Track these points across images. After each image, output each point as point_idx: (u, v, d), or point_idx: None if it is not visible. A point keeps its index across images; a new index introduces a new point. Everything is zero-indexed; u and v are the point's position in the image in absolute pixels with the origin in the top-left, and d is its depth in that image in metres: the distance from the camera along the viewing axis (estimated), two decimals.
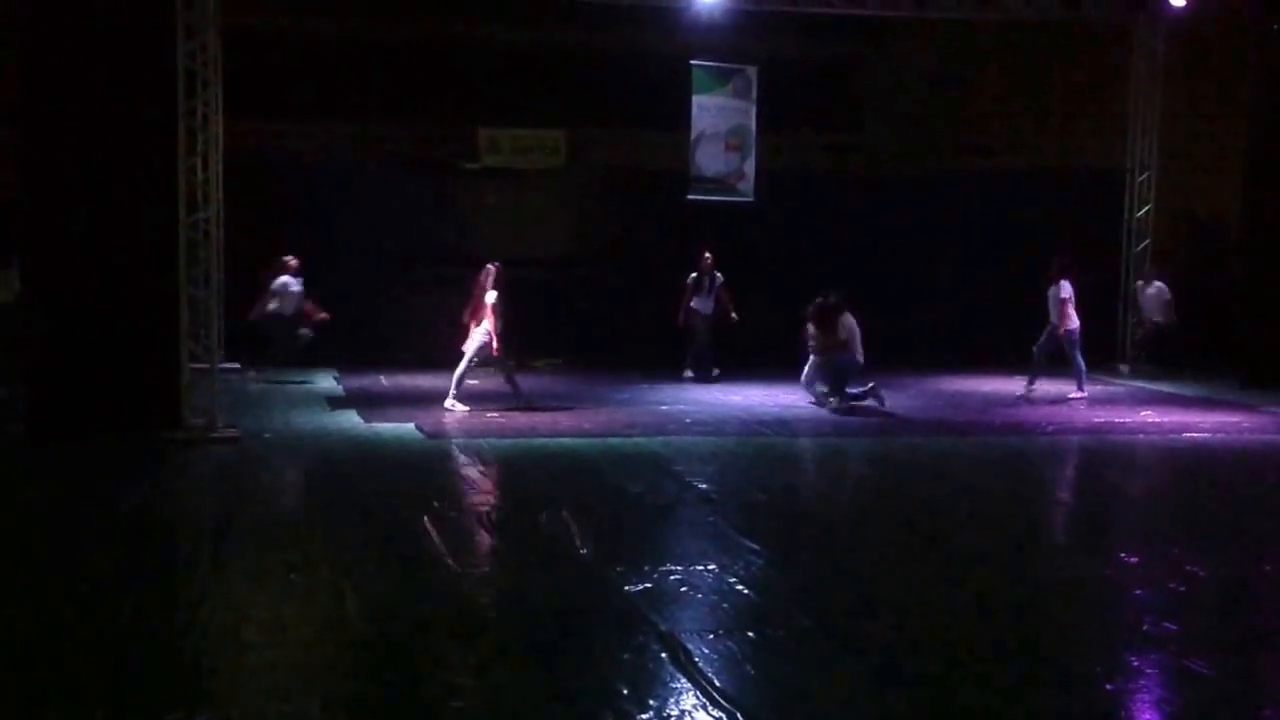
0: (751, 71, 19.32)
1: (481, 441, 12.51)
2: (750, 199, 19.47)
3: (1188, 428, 13.96)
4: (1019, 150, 22.52)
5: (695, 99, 19.00)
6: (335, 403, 14.96)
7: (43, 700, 5.61)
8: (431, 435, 12.69)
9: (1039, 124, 22.32)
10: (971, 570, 8.15)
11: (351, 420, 13.62)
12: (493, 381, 17.12)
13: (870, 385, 14.95)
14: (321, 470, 11.07)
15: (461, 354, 14.37)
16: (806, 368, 15.34)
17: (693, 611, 6.97)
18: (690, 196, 19.27)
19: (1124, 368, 19.17)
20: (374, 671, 5.99)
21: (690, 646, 6.22)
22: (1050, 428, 14.00)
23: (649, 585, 7.34)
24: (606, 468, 11.46)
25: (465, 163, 20.89)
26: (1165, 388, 17.45)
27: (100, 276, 11.97)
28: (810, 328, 15.19)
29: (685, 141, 19.18)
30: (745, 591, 7.30)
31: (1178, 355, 18.85)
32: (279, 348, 16.85)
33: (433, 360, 18.41)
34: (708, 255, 17.49)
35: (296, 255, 17.45)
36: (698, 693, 5.67)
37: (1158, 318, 18.98)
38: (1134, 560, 8.35)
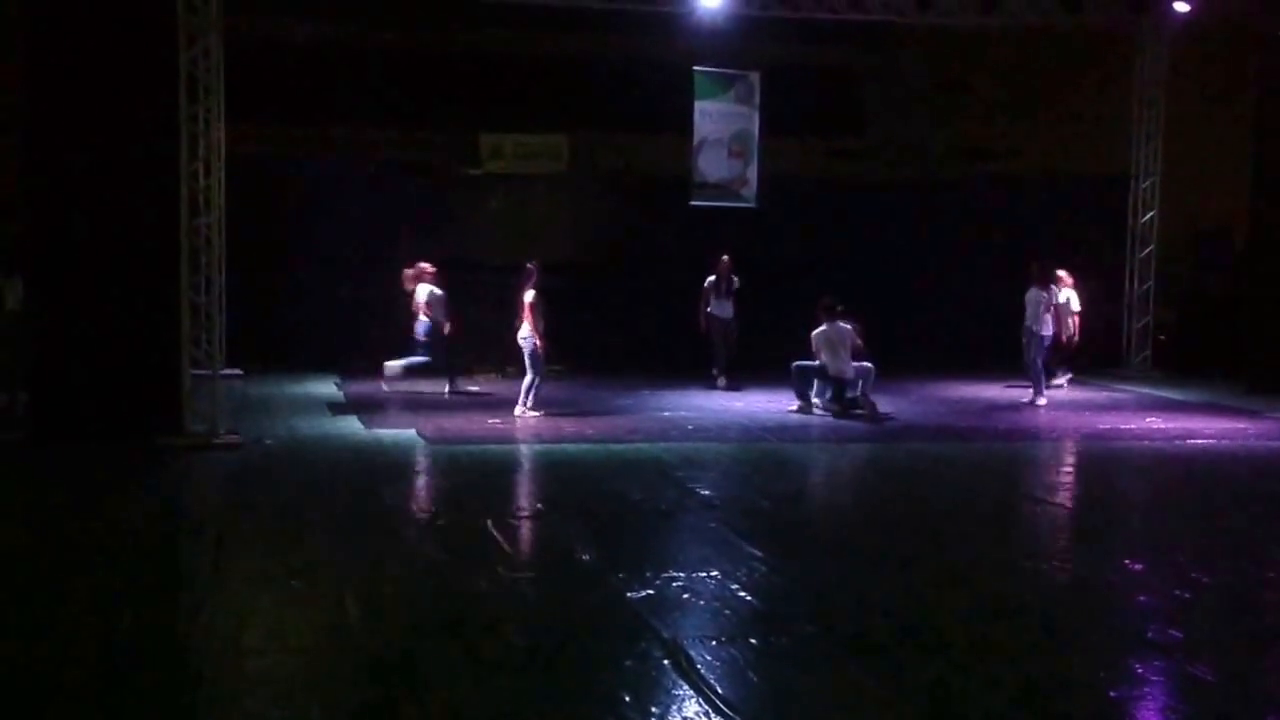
0: (754, 77, 19.31)
1: (483, 447, 12.49)
2: (753, 204, 19.44)
3: (1192, 433, 13.92)
4: (1022, 156, 22.47)
5: (698, 104, 18.98)
6: (336, 408, 14.95)
7: (43, 706, 5.59)
8: (433, 441, 12.67)
9: (1042, 129, 22.27)
10: (975, 576, 8.12)
11: (353, 426, 13.60)
12: (493, 386, 17.15)
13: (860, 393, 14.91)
14: (322, 476, 11.05)
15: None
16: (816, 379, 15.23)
17: (695, 618, 6.94)
18: (693, 202, 19.25)
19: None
20: (375, 678, 5.96)
21: (693, 653, 6.20)
22: (1054, 433, 13.96)
23: (651, 592, 7.32)
24: (608, 474, 11.43)
25: (468, 168, 20.87)
26: (1169, 393, 17.40)
27: (102, 282, 11.98)
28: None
29: (688, 147, 19.16)
30: (748, 598, 7.28)
31: (1180, 361, 18.85)
32: (441, 359, 16.51)
33: (434, 365, 18.45)
34: (725, 258, 17.41)
35: (301, 259, 17.44)
36: (700, 700, 5.64)
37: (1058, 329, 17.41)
38: (1138, 566, 8.32)
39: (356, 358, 18.50)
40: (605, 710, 5.54)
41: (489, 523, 9.25)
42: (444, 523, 9.07)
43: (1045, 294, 15.93)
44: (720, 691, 5.72)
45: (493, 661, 6.17)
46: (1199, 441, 13.50)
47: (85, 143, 11.89)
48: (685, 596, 7.27)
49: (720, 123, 19.16)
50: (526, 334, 14.37)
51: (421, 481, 10.83)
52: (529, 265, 14.74)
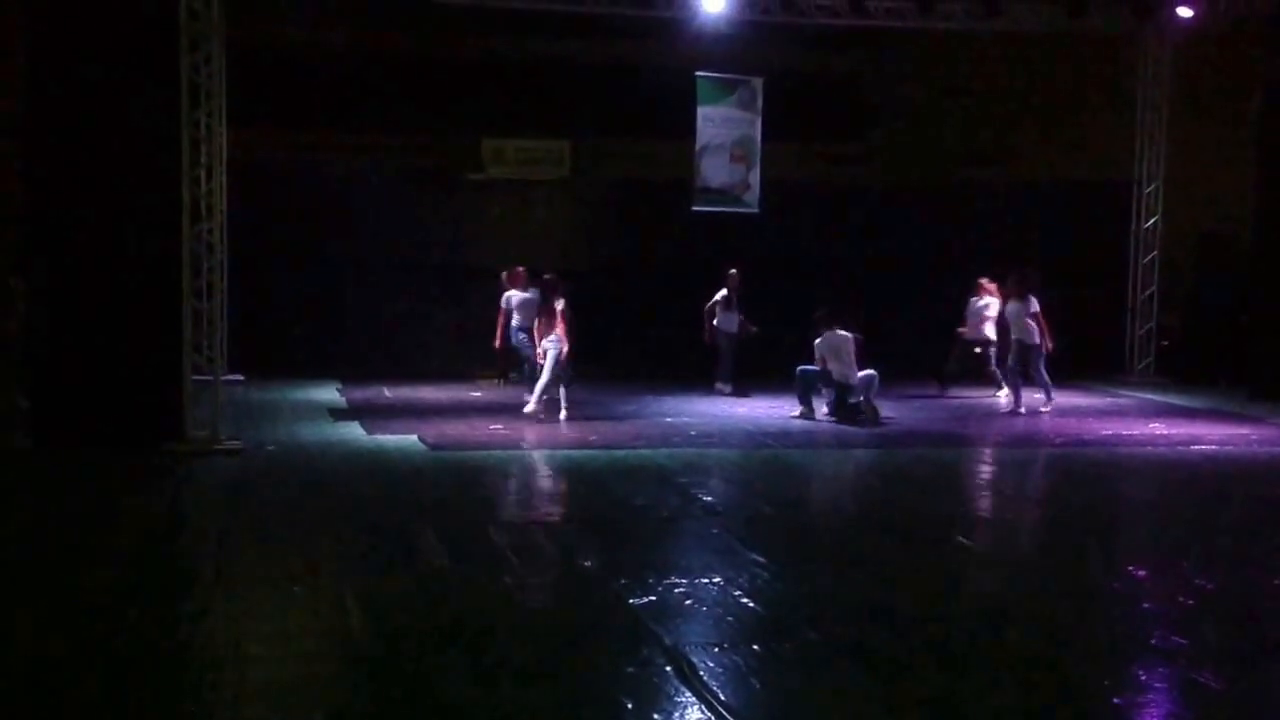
0: (757, 83, 19.31)
1: (485, 453, 12.47)
2: (755, 210, 19.44)
3: (1196, 440, 13.89)
4: (1025, 161, 22.47)
5: (700, 110, 18.98)
6: (338, 414, 14.94)
7: (46, 712, 5.57)
8: (434, 447, 12.65)
9: (1045, 135, 22.27)
10: (979, 582, 8.11)
11: (354, 432, 13.59)
12: (496, 393, 17.15)
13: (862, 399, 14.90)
14: (324, 482, 11.03)
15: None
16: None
17: (698, 624, 6.92)
18: (695, 207, 19.25)
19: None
20: (377, 684, 5.94)
21: (695, 660, 6.17)
22: (1058, 440, 13.94)
23: (653, 598, 7.30)
24: (611, 480, 11.41)
25: (470, 174, 20.88)
26: (1173, 400, 17.38)
27: (103, 287, 11.97)
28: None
29: (690, 152, 19.16)
30: (750, 604, 7.25)
31: (1181, 367, 18.83)
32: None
33: (436, 371, 18.47)
34: (733, 272, 17.32)
35: (303, 264, 17.40)
36: (703, 707, 5.62)
37: (980, 334, 17.42)
38: (1142, 573, 8.30)
39: (358, 363, 18.55)
40: (607, 717, 5.52)
41: (491, 529, 9.23)
42: (446, 529, 9.05)
43: (1023, 304, 15.84)
44: (723, 699, 5.70)
45: (494, 668, 6.15)
46: (1202, 448, 13.47)
47: (87, 148, 11.89)
48: (687, 603, 7.25)
49: (722, 128, 19.16)
50: (555, 339, 14.42)
51: (423, 488, 10.80)
52: (547, 278, 15.05)
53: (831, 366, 14.78)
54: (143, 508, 9.95)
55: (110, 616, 6.91)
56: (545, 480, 11.69)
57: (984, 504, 10.98)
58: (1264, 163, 17.94)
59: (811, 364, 15.02)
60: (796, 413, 15.13)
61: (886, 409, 15.17)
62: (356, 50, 21.48)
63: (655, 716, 5.52)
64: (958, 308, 17.64)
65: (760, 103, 19.24)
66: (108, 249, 11.96)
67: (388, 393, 17.04)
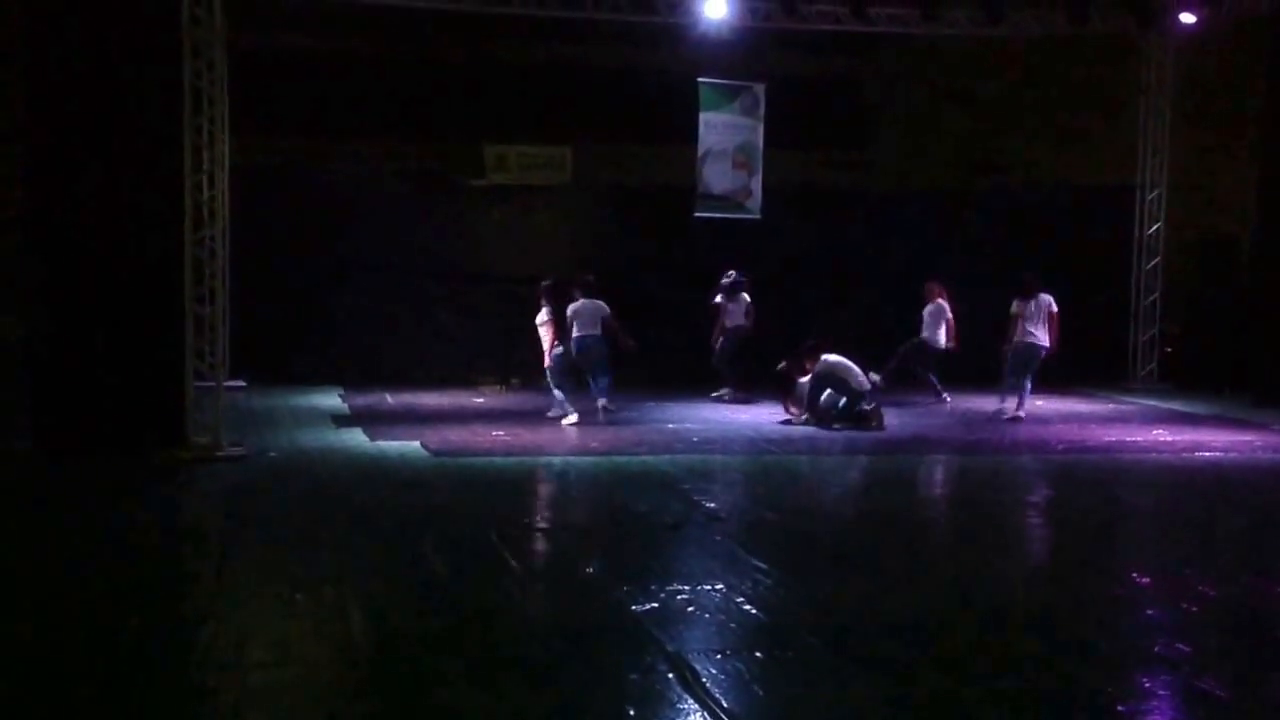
0: (759, 88, 19.32)
1: (487, 460, 12.46)
2: (757, 216, 19.44)
3: (1200, 446, 13.87)
4: (1027, 167, 22.48)
5: (703, 116, 18.99)
6: (340, 421, 14.94)
7: (45, 718, 5.57)
8: (437, 454, 12.64)
9: (1047, 141, 22.28)
10: (981, 589, 8.09)
11: (357, 439, 13.58)
12: (498, 399, 17.15)
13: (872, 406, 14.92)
14: (326, 489, 11.02)
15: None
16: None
17: (700, 631, 6.90)
18: (698, 213, 19.26)
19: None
20: (379, 691, 5.92)
21: (698, 666, 6.16)
22: (1061, 446, 13.92)
23: (656, 604, 7.28)
24: (613, 486, 11.40)
25: (472, 179, 20.89)
26: (1176, 406, 17.37)
27: (105, 293, 11.97)
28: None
29: (693, 158, 19.17)
30: (753, 611, 7.24)
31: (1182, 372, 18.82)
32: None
33: (438, 377, 18.46)
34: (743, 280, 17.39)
35: (305, 270, 17.36)
36: (705, 713, 5.60)
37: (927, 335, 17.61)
38: (1146, 580, 8.27)
39: (361, 369, 18.54)
40: None
41: (493, 535, 9.22)
42: (448, 535, 9.04)
43: (1026, 304, 15.84)
44: (725, 705, 5.68)
45: (496, 674, 6.13)
46: (1206, 454, 13.45)
47: (89, 154, 11.89)
48: (690, 609, 7.23)
49: (725, 134, 19.17)
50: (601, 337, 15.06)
51: (425, 494, 10.79)
52: (589, 278, 15.51)
53: (842, 374, 14.78)
54: (144, 514, 9.94)
55: (111, 622, 6.89)
56: (547, 486, 11.67)
57: (986, 510, 10.95)
58: (1266, 168, 17.93)
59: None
60: (784, 419, 15.22)
61: (888, 416, 15.16)
62: (359, 56, 21.51)
63: None
64: (963, 315, 17.63)
65: (762, 109, 19.25)
66: (110, 254, 11.95)
67: (390, 399, 17.04)
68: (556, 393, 15.03)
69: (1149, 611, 7.53)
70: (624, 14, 17.63)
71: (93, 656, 6.37)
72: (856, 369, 14.87)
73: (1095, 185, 21.03)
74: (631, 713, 5.61)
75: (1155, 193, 19.67)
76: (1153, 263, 19.70)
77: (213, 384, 12.63)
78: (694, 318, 17.66)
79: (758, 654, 6.46)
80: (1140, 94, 19.76)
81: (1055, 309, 15.76)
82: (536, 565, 8.54)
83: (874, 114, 24.33)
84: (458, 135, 21.49)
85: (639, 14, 17.63)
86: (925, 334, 17.35)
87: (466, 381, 18.24)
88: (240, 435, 12.95)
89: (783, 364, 15.31)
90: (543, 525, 9.85)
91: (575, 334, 15.20)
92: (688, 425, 14.96)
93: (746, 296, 17.24)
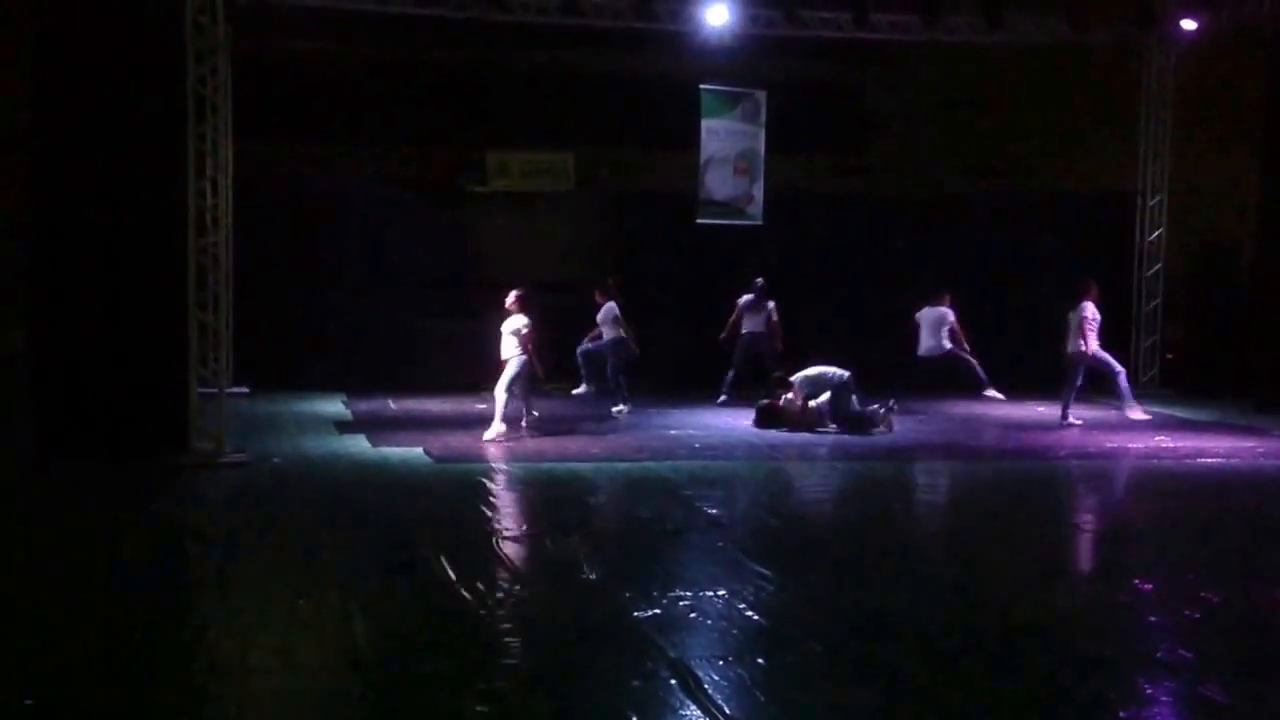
0: (760, 95, 19.35)
1: (489, 466, 12.47)
2: (759, 222, 19.47)
3: (1201, 453, 13.88)
4: (1029, 173, 22.50)
5: (704, 122, 19.03)
6: (343, 427, 14.95)
7: None
8: (439, 459, 12.66)
9: (1049, 147, 22.29)
10: (984, 595, 8.09)
11: (360, 445, 13.60)
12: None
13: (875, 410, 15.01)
14: (329, 495, 11.04)
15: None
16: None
17: (702, 637, 6.91)
18: (700, 220, 19.28)
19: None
20: (382, 697, 5.93)
21: (700, 673, 6.17)
22: (1063, 452, 13.92)
23: (658, 611, 7.29)
24: (615, 492, 11.41)
25: (474, 186, 20.92)
26: (1177, 412, 17.35)
27: (108, 300, 11.98)
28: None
29: (694, 164, 19.20)
30: (755, 617, 7.25)
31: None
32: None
33: (441, 384, 18.47)
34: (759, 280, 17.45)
35: (308, 276, 17.35)
36: None
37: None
38: (1148, 586, 8.28)
39: (364, 376, 18.56)
40: None
41: (495, 541, 9.23)
42: (451, 540, 9.04)
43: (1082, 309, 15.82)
44: (728, 711, 5.69)
45: (499, 680, 6.14)
46: (1208, 460, 13.46)
47: (92, 161, 11.90)
48: (692, 615, 7.24)
49: (726, 141, 19.21)
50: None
51: (428, 500, 10.81)
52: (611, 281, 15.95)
53: (826, 387, 14.95)
54: (148, 519, 9.94)
55: (114, 626, 6.90)
56: (549, 492, 11.68)
57: (988, 515, 10.95)
58: (1267, 174, 17.94)
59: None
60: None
61: (902, 421, 15.17)
62: (361, 63, 21.53)
63: None
64: (963, 320, 17.62)
65: (763, 115, 19.30)
66: (113, 261, 11.97)
67: (393, 405, 17.06)
68: (505, 408, 14.56)
69: (1151, 617, 7.53)
70: (626, 21, 17.66)
71: (96, 662, 6.38)
72: (822, 366, 15.12)
73: (1096, 191, 21.05)
74: (634, 718, 5.62)
75: (1156, 199, 19.69)
76: (1154, 269, 19.72)
77: (216, 390, 12.66)
78: (695, 323, 17.67)
79: (760, 660, 6.47)
80: (1141, 100, 19.78)
81: (1086, 314, 15.66)
82: (538, 571, 8.55)
83: (875, 120, 24.34)
84: (460, 141, 21.51)
85: (641, 21, 17.67)
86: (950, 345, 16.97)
87: (469, 388, 18.25)
88: (243, 441, 12.96)
89: (764, 401, 15.38)
90: (544, 531, 9.86)
91: (609, 336, 16.31)
92: (689, 431, 14.97)
93: (771, 306, 17.24)
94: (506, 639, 6.88)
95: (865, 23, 17.88)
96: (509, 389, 14.07)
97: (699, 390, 17.59)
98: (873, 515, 11.24)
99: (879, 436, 14.68)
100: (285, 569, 8.37)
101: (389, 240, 19.47)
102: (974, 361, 16.87)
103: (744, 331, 17.27)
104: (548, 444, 13.87)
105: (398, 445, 13.45)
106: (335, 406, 16.83)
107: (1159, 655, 6.70)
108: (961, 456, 13.78)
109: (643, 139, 21.53)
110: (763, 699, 5.94)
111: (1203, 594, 7.93)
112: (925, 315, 17.10)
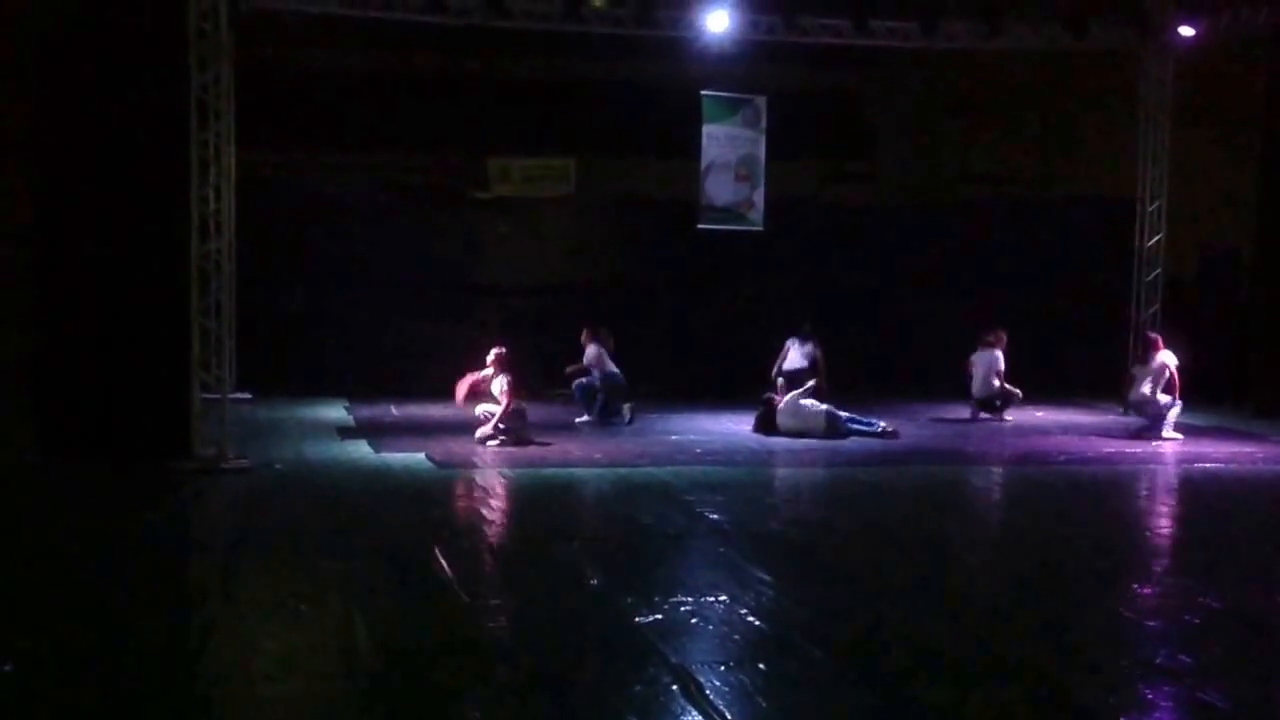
0: (761, 101, 19.39)
1: (491, 471, 12.50)
2: (760, 228, 19.50)
3: (1201, 458, 13.90)
4: (1028, 179, 22.55)
5: (705, 128, 19.06)
6: (345, 433, 14.97)
7: None
8: (442, 465, 12.68)
9: (1048, 153, 22.35)
10: (984, 601, 8.12)
11: (362, 450, 13.62)
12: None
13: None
14: (332, 500, 11.06)
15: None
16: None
17: (704, 643, 6.93)
18: (700, 225, 19.32)
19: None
20: (384, 703, 5.96)
21: (701, 678, 6.19)
22: (1062, 457, 13.95)
23: (660, 616, 7.31)
24: (616, 498, 11.44)
25: (476, 192, 20.96)
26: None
27: (111, 305, 12.01)
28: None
29: (695, 171, 19.23)
30: (757, 623, 7.27)
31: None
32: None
33: (443, 390, 18.48)
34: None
35: (311, 282, 17.34)
36: None
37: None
38: (1147, 591, 8.31)
39: (366, 381, 18.57)
40: None
41: (498, 546, 9.26)
42: (453, 546, 9.07)
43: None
44: (729, 717, 5.72)
45: (501, 686, 6.17)
46: (1207, 465, 13.48)
47: (95, 167, 11.95)
48: (694, 621, 7.27)
49: (727, 146, 19.23)
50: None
51: (430, 505, 10.84)
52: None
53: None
54: (150, 525, 9.97)
55: (115, 635, 6.93)
56: (551, 498, 11.70)
57: (988, 520, 10.99)
58: (1267, 180, 17.97)
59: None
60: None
61: (902, 427, 15.20)
62: (364, 70, 21.60)
63: None
64: (960, 323, 17.64)
65: (764, 121, 19.32)
66: (116, 266, 12.01)
67: (395, 411, 17.08)
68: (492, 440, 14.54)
69: (1151, 623, 7.55)
70: (627, 27, 17.69)
71: (98, 667, 6.40)
72: (808, 400, 15.28)
73: (1095, 197, 21.07)
74: None
75: (1155, 204, 19.69)
76: (1153, 274, 19.71)
77: (218, 396, 12.68)
78: (695, 329, 17.69)
79: (761, 665, 6.50)
80: (1140, 106, 19.80)
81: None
82: (540, 576, 8.57)
83: (875, 126, 24.40)
84: (462, 148, 21.57)
85: (642, 28, 17.69)
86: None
87: (470, 394, 18.26)
88: (246, 447, 12.98)
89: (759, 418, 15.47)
90: (546, 537, 9.88)
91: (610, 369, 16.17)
92: (690, 437, 15.00)
93: (814, 345, 17.22)
94: (508, 644, 6.91)
95: (865, 29, 17.89)
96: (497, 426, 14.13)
97: (699, 396, 17.61)
98: (872, 520, 11.25)
99: (881, 442, 14.70)
100: (287, 574, 8.39)
101: (391, 246, 19.50)
102: (1018, 394, 16.94)
103: (786, 368, 17.24)
104: (550, 449, 13.90)
105: (400, 451, 13.48)
106: (337, 412, 16.85)
107: (1159, 660, 6.73)
108: (958, 461, 13.80)
109: (644, 145, 21.59)
110: (764, 705, 5.96)
111: (1202, 599, 7.96)
112: (979, 359, 17.03)
